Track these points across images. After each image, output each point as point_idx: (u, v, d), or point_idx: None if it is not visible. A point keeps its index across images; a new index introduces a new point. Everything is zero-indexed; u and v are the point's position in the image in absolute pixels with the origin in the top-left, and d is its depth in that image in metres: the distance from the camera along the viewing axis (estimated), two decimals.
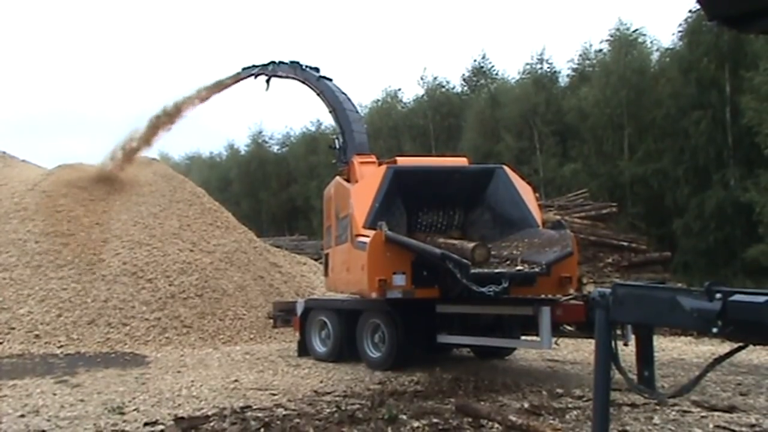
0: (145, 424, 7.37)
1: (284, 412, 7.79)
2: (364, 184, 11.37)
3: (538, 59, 37.32)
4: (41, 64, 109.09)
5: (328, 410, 7.85)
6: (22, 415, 7.91)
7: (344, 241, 11.33)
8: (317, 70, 15.61)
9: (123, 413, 7.90)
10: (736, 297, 3.69)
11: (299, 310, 12.97)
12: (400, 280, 9.62)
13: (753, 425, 6.88)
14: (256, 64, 17.58)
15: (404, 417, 7.34)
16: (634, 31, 32.33)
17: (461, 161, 13.02)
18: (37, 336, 13.96)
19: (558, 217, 15.61)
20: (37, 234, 16.74)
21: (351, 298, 12.03)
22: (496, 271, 9.24)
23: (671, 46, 30.95)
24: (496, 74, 41.99)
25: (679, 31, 29.41)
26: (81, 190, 18.38)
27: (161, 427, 7.23)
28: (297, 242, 29.90)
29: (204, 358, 12.70)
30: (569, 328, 9.98)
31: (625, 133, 30.39)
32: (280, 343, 14.53)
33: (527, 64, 37.90)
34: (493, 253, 10.14)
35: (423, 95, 43.56)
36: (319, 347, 12.39)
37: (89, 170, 19.27)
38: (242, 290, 16.46)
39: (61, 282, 15.35)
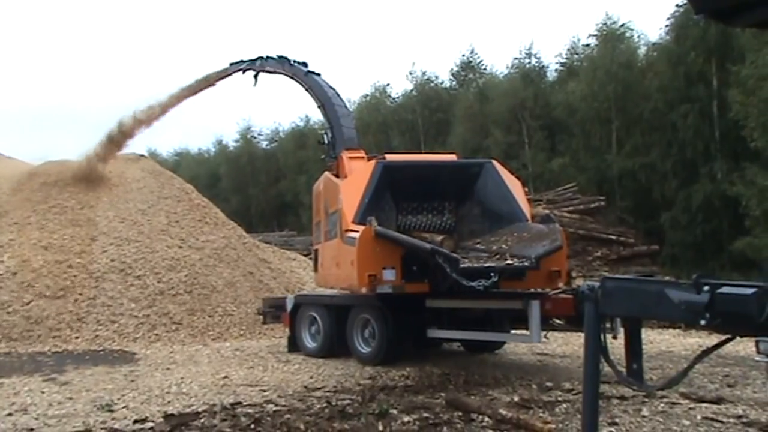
0: (135, 421, 7.35)
1: (274, 408, 7.79)
2: (354, 179, 11.35)
3: (527, 54, 37.36)
4: (30, 59, 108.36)
5: (318, 406, 7.86)
6: (10, 414, 7.88)
7: (334, 237, 11.31)
8: (305, 65, 15.57)
9: (112, 411, 7.88)
10: (724, 289, 3.72)
11: (289, 305, 12.95)
12: (389, 275, 9.62)
13: (740, 416, 6.94)
14: (244, 59, 17.51)
15: (395, 412, 7.36)
16: (621, 26, 32.42)
17: (450, 158, 13.06)
18: (24, 334, 13.88)
19: (547, 211, 15.66)
20: (23, 231, 16.63)
21: (341, 293, 12.03)
22: (486, 265, 9.25)
23: (659, 41, 31.06)
24: (485, 69, 41.98)
25: (667, 25, 29.53)
26: (67, 187, 18.26)
27: (151, 424, 7.22)
28: (286, 238, 29.86)
29: (193, 355, 12.67)
30: (558, 321, 10.03)
31: (613, 127, 30.46)
32: (270, 339, 14.52)
33: (515, 58, 37.92)
34: (482, 247, 10.18)
35: (412, 90, 43.49)
36: (309, 343, 12.38)
37: (75, 166, 19.14)
38: (232, 286, 16.42)
39: (47, 279, 15.25)
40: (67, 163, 19.49)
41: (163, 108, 19.88)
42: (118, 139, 19.82)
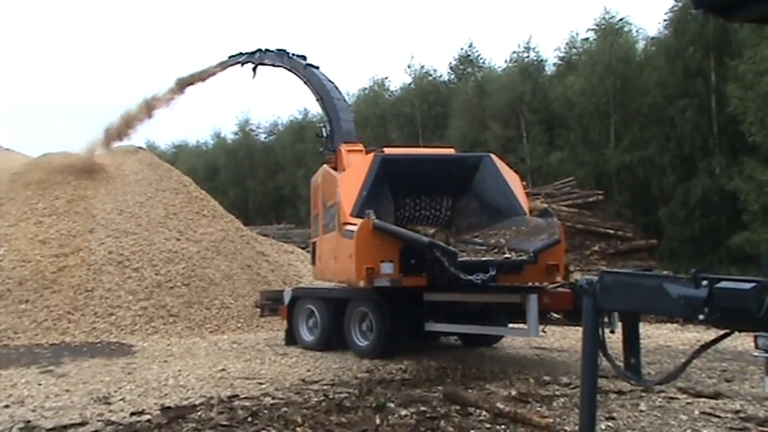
0: (132, 413, 7.34)
1: (272, 401, 7.78)
2: (352, 172, 11.34)
3: (525, 48, 37.32)
4: (30, 53, 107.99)
5: (315, 399, 7.85)
6: (7, 406, 7.87)
7: (332, 230, 11.30)
8: (304, 58, 15.55)
9: (109, 403, 7.87)
10: (723, 284, 3.71)
11: (286, 298, 12.94)
12: (387, 268, 9.61)
13: (738, 411, 6.94)
14: (243, 51, 17.51)
15: (392, 405, 7.35)
16: (619, 20, 32.37)
17: (448, 152, 13.05)
18: (21, 326, 13.86)
19: (545, 205, 15.65)
20: (20, 224, 16.60)
21: (338, 286, 12.01)
22: (484, 259, 9.25)
23: (657, 35, 31.03)
24: (483, 63, 41.99)
25: (665, 20, 29.52)
26: (65, 179, 18.22)
27: (148, 416, 7.20)
28: (284, 231, 29.83)
29: (191, 348, 12.66)
30: (556, 315, 10.03)
31: (612, 121, 30.45)
32: (268, 332, 14.51)
33: (514, 52, 37.89)
34: (480, 241, 10.18)
35: (410, 84, 43.45)
36: (307, 336, 12.37)
37: (73, 158, 19.11)
38: (229, 279, 16.41)
39: (45, 271, 15.22)
40: (65, 156, 19.45)
41: (162, 101, 19.87)
42: (117, 132, 19.87)
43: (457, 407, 7.21)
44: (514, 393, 7.94)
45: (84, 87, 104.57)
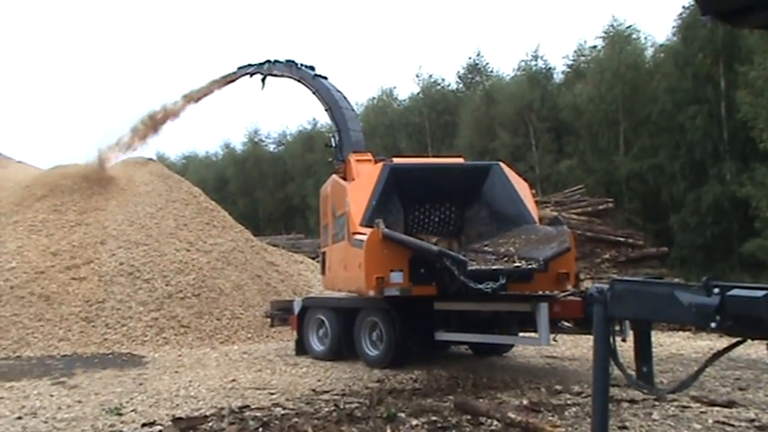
0: (143, 425, 7.34)
1: (282, 412, 7.77)
2: (361, 182, 11.35)
3: (533, 56, 37.48)
4: (43, 66, 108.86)
5: (326, 409, 7.83)
6: (19, 417, 7.88)
7: (341, 239, 11.30)
8: (313, 68, 15.61)
9: (121, 414, 7.87)
10: (735, 292, 3.68)
11: (296, 308, 12.94)
12: (397, 277, 9.59)
13: (752, 420, 6.88)
14: (252, 63, 17.61)
15: (403, 415, 7.32)
16: (628, 27, 32.40)
17: (457, 161, 13.06)
18: (34, 337, 13.92)
19: (555, 214, 15.62)
20: (31, 237, 16.69)
21: (348, 296, 12.00)
22: (494, 267, 9.21)
23: (666, 42, 31.04)
24: (491, 71, 42.13)
25: (674, 27, 29.53)
26: (76, 191, 18.34)
27: (159, 427, 7.20)
28: (294, 241, 29.89)
29: (202, 358, 12.67)
30: (567, 324, 9.98)
31: (621, 128, 30.42)
32: (278, 342, 14.51)
33: (522, 60, 38.11)
34: (490, 249, 10.15)
35: (419, 93, 43.63)
36: (317, 346, 12.36)
37: (84, 170, 19.23)
38: (239, 289, 16.43)
39: (57, 283, 15.29)
40: (76, 167, 19.57)
41: (171, 112, 19.99)
42: (127, 142, 20.03)
43: (469, 417, 7.18)
44: (525, 402, 7.90)
45: (95, 99, 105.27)
